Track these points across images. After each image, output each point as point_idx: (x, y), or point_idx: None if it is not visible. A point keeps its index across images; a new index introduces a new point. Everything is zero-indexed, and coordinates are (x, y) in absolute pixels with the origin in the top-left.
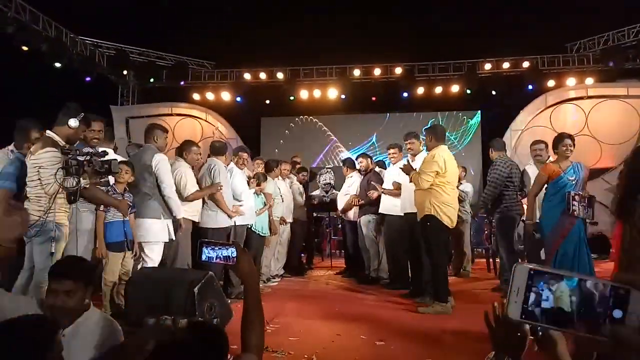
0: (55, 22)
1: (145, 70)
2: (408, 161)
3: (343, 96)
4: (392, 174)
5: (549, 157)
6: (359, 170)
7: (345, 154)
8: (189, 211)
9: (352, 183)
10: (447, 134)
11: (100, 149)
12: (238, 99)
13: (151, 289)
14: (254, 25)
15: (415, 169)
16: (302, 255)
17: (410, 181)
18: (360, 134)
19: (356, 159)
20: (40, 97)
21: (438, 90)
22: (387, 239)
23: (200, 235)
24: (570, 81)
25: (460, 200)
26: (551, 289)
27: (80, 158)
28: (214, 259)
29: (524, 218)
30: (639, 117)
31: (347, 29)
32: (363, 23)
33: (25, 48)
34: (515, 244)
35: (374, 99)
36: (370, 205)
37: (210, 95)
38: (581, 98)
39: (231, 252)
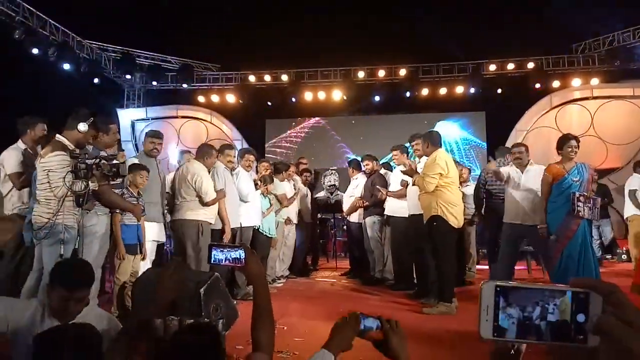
0: (62, 27)
1: (151, 73)
2: (410, 164)
3: (344, 97)
4: (398, 176)
5: (529, 160)
6: (365, 172)
7: (351, 156)
8: (208, 214)
9: (358, 184)
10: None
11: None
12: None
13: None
14: (254, 26)
15: (418, 172)
16: (307, 256)
17: (414, 184)
18: (364, 136)
19: (362, 160)
20: (48, 100)
21: (442, 91)
22: (392, 241)
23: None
24: (576, 82)
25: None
26: (519, 303)
27: (89, 161)
28: (223, 261)
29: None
30: None
31: (347, 29)
32: (363, 23)
33: (34, 52)
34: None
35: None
36: (375, 206)
37: (215, 98)
38: (586, 99)
39: (239, 254)
